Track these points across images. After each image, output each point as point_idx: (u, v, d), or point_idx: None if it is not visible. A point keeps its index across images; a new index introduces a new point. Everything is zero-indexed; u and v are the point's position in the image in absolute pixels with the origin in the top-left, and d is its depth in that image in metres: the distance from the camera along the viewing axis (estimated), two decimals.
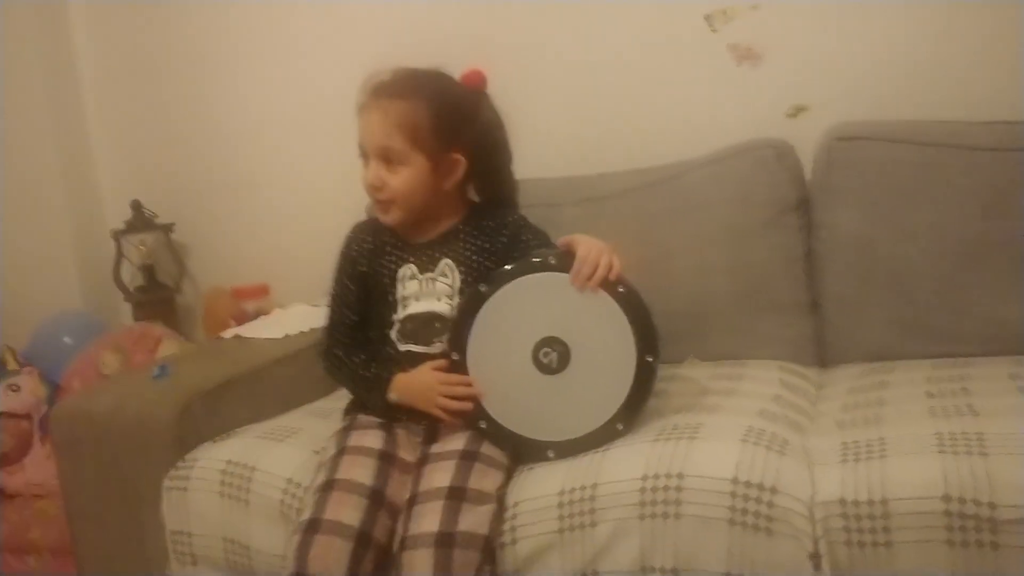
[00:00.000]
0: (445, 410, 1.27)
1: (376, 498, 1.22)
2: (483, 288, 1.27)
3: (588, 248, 1.25)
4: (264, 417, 1.56)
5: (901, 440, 1.12)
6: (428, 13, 2.06)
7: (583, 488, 1.17)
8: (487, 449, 1.26)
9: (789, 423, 1.27)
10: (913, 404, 1.27)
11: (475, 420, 1.27)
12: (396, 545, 1.17)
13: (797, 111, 1.86)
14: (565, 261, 1.25)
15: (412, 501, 1.20)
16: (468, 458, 1.23)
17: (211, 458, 1.41)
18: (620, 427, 1.25)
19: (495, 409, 1.26)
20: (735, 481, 1.09)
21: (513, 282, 1.27)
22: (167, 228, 2.34)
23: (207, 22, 2.28)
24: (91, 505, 1.51)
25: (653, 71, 1.93)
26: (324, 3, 2.16)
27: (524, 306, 1.26)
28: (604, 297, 1.24)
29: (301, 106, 2.22)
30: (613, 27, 1.94)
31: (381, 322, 1.38)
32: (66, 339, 2.18)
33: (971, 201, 1.54)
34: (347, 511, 1.19)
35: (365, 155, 1.34)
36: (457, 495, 1.17)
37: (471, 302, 1.27)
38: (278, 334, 1.81)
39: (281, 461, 1.37)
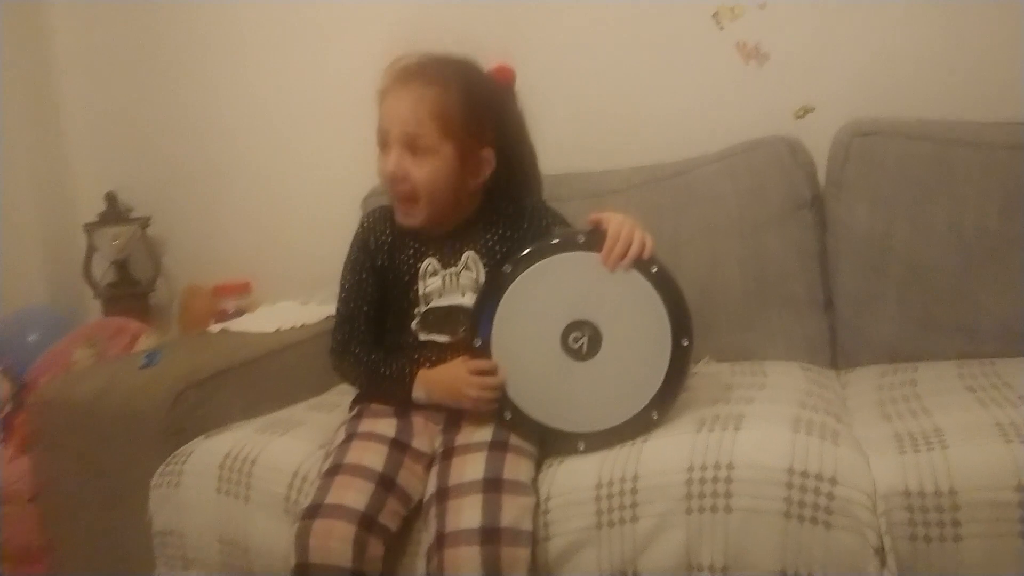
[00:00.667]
0: (477, 404, 1.18)
1: (385, 483, 1.14)
2: (507, 269, 1.19)
3: (619, 225, 1.18)
4: (260, 412, 1.46)
5: (960, 429, 1.07)
6: (427, 9, 1.99)
7: (623, 480, 1.09)
8: (515, 439, 1.17)
9: (832, 415, 1.21)
10: (955, 396, 1.23)
11: (500, 410, 1.18)
12: (428, 540, 1.08)
13: (804, 112, 1.84)
14: (594, 239, 1.18)
15: (444, 495, 1.10)
16: (498, 448, 1.14)
17: (207, 451, 1.31)
18: (655, 416, 1.18)
19: (521, 398, 1.18)
20: (791, 471, 1.03)
21: (539, 263, 1.19)
22: (143, 222, 2.24)
23: (188, 7, 2.19)
24: (69, 503, 1.40)
25: (659, 68, 1.89)
26: None
27: (551, 288, 1.19)
28: (636, 277, 1.18)
29: (285, 96, 2.14)
30: (620, 23, 1.90)
31: (400, 314, 1.30)
32: (31, 336, 2.04)
33: (990, 199, 1.51)
34: (352, 494, 1.11)
35: (385, 143, 1.25)
36: (494, 487, 1.08)
37: (494, 285, 1.20)
38: (269, 328, 1.71)
39: (285, 454, 1.27)
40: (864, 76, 1.77)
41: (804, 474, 1.02)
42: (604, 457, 1.14)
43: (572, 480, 1.13)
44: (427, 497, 1.13)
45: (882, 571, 0.98)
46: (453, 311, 1.27)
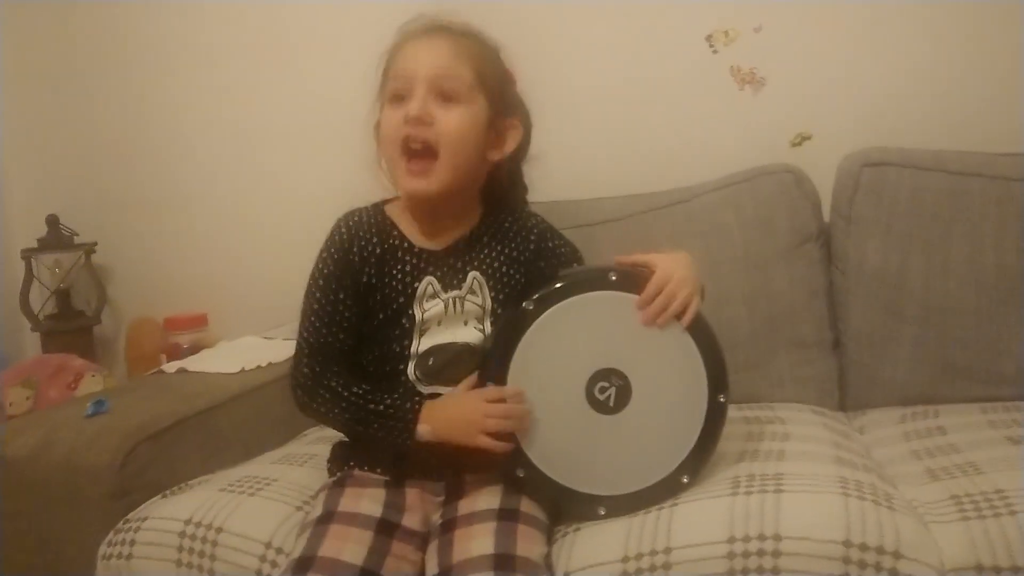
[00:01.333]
0: (494, 439, 1.02)
1: None
2: (528, 306, 1.04)
3: (666, 275, 1.04)
4: (224, 465, 1.30)
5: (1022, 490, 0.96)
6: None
7: (653, 554, 0.96)
8: (527, 506, 1.03)
9: (872, 472, 1.10)
10: (999, 448, 1.13)
11: (512, 467, 1.04)
12: None
13: (801, 139, 1.77)
14: (627, 279, 1.05)
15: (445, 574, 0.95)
16: (508, 518, 1.00)
17: (164, 517, 1.14)
18: (685, 480, 1.05)
19: (538, 454, 1.04)
20: (847, 544, 0.91)
21: (565, 301, 1.05)
22: (87, 248, 2.07)
23: (139, 16, 2.05)
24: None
25: (651, 93, 1.82)
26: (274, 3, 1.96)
27: (577, 331, 1.05)
28: (671, 323, 1.05)
29: (245, 113, 2.01)
30: (611, 46, 1.82)
31: (387, 354, 1.10)
32: None
33: (1008, 234, 1.44)
34: None
35: (405, 91, 1.07)
36: (505, 565, 0.93)
37: (513, 324, 1.05)
38: (233, 368, 1.54)
39: (255, 520, 1.11)
40: (863, 104, 1.72)
41: (863, 547, 0.90)
42: (629, 525, 1.01)
43: (594, 553, 0.99)
44: None
45: None
46: (460, 354, 1.10)
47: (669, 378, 1.05)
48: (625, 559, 0.97)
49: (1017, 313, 1.43)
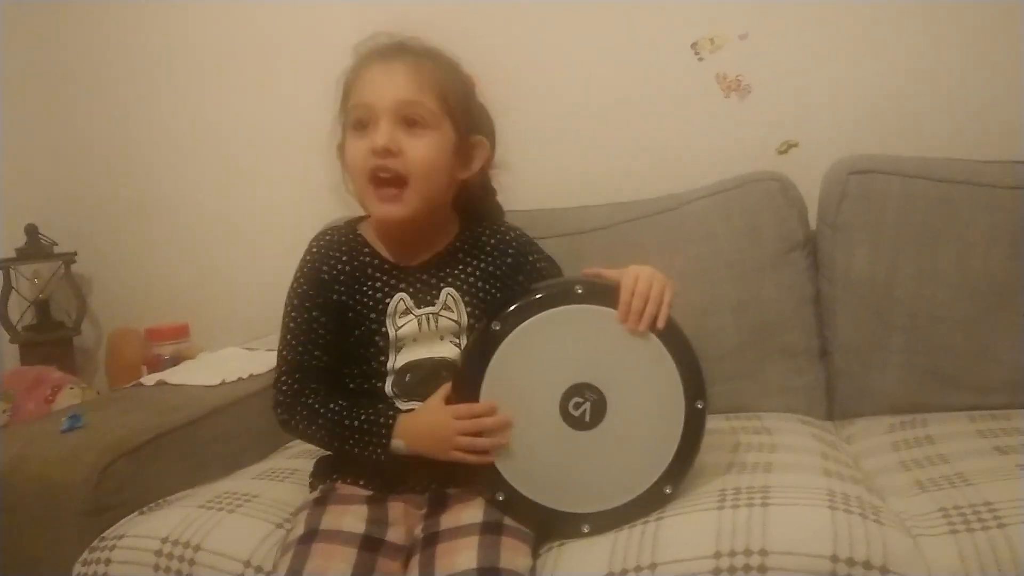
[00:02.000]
0: (468, 454, 1.01)
1: None
2: (496, 326, 1.02)
3: (633, 278, 1.03)
4: (203, 480, 1.28)
5: (1012, 503, 0.95)
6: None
7: (639, 569, 0.94)
8: (510, 519, 1.01)
9: (860, 483, 1.08)
10: (988, 459, 1.12)
11: (492, 491, 1.02)
12: None
13: (787, 147, 1.76)
14: (596, 292, 1.04)
15: None
16: (492, 531, 0.98)
17: (141, 534, 1.11)
18: (668, 491, 1.03)
19: (516, 476, 1.02)
20: (834, 559, 0.89)
21: (532, 318, 1.03)
22: (67, 258, 2.04)
23: (120, 24, 2.02)
24: None
25: (636, 101, 1.80)
26: (259, 10, 1.94)
27: (547, 347, 1.03)
28: (643, 333, 1.03)
29: (227, 122, 1.99)
30: (595, 52, 1.81)
31: (366, 371, 1.10)
32: None
33: (996, 242, 1.44)
34: None
35: (368, 120, 1.06)
36: None
37: (481, 344, 1.03)
38: (213, 380, 1.52)
39: (235, 538, 1.09)
40: (849, 111, 1.71)
41: (850, 562, 0.89)
42: (614, 541, 0.99)
43: (579, 568, 0.97)
44: None
45: None
46: (436, 369, 1.09)
47: (644, 388, 1.03)
48: (611, 575, 0.95)
49: (1005, 321, 1.42)
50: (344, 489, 1.07)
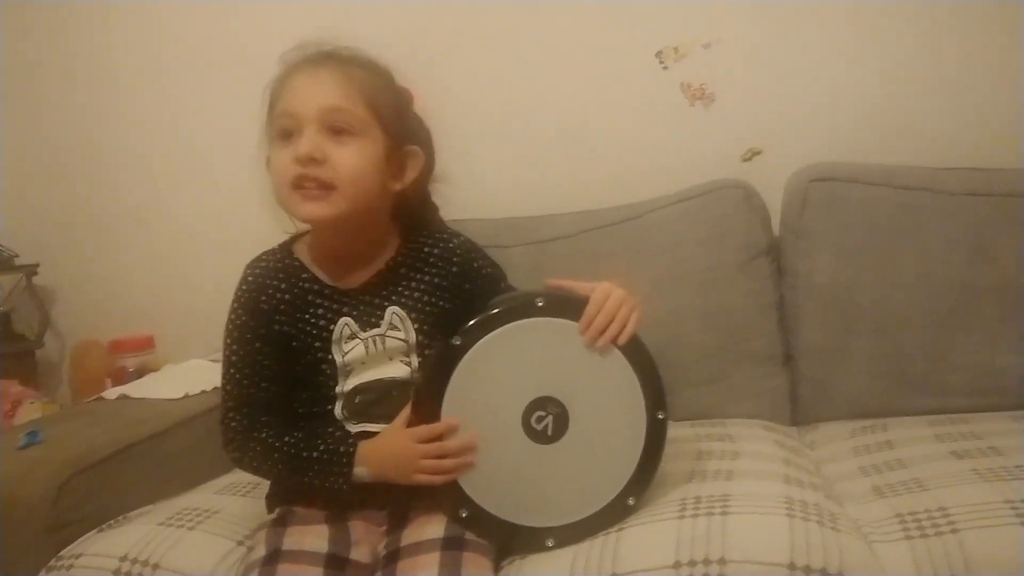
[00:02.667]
0: (432, 476, 1.00)
1: None
2: (456, 341, 1.01)
3: (604, 295, 1.02)
4: (164, 496, 1.27)
5: (967, 509, 0.96)
6: (347, 36, 1.84)
7: None
8: (472, 534, 1.01)
9: (820, 490, 1.09)
10: (945, 464, 1.13)
11: (454, 508, 1.01)
12: None
13: (751, 154, 1.77)
14: (558, 305, 1.03)
15: None
16: (454, 546, 0.97)
17: (99, 553, 1.10)
18: (631, 502, 1.04)
19: (479, 493, 1.02)
20: (792, 567, 0.90)
21: (493, 332, 1.02)
22: (29, 269, 2.00)
23: (83, 30, 1.99)
24: None
25: (601, 109, 1.80)
26: (229, 15, 1.92)
27: (508, 362, 1.02)
28: (604, 345, 1.03)
29: (192, 130, 1.96)
30: (560, 61, 1.80)
31: (315, 396, 1.07)
32: None
33: (955, 248, 1.46)
34: None
35: (293, 128, 1.02)
36: None
37: (441, 360, 1.01)
38: (176, 393, 1.50)
39: (194, 556, 1.08)
40: (812, 119, 1.72)
41: (807, 569, 0.89)
42: (575, 553, 0.99)
43: None
44: None
45: None
46: (386, 389, 1.07)
47: (606, 400, 1.03)
48: None
49: (965, 326, 1.44)
50: (302, 510, 1.06)
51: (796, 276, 1.53)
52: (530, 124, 1.82)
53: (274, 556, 0.98)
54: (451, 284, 1.12)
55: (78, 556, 1.10)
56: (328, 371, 1.06)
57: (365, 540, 1.03)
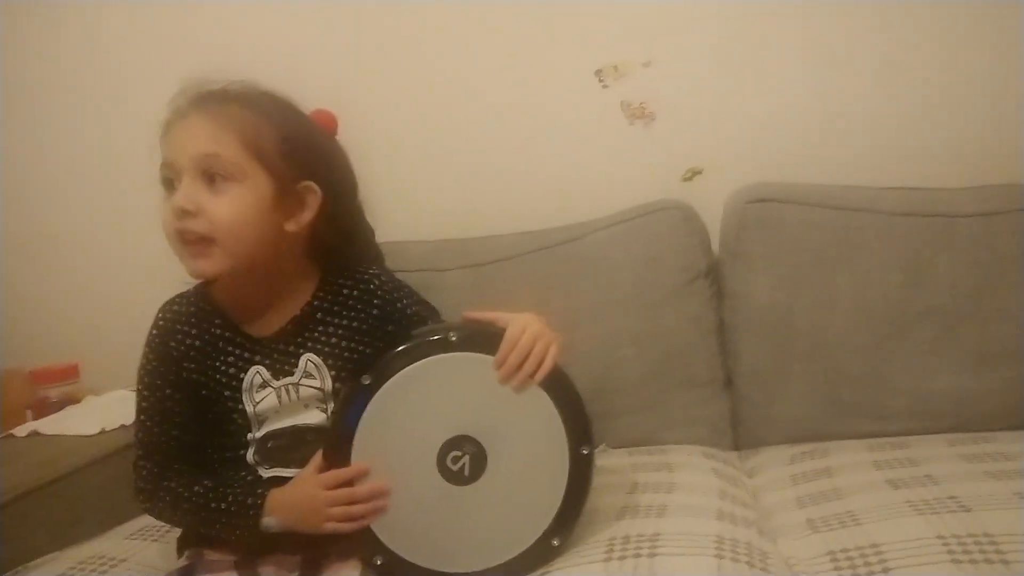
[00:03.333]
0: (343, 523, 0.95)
1: None
2: (366, 380, 0.97)
3: (519, 330, 0.97)
4: (73, 541, 1.19)
5: (901, 548, 0.93)
6: (268, 52, 1.78)
7: None
8: None
9: (752, 526, 1.06)
10: (881, 495, 1.10)
11: (370, 555, 0.96)
12: None
13: (692, 174, 1.75)
14: (473, 340, 0.99)
15: None
16: None
17: None
18: (556, 543, 0.99)
19: (394, 539, 0.97)
20: None
21: (404, 370, 0.97)
22: None
23: (6, 50, 1.90)
24: None
25: (540, 128, 1.77)
26: (152, 35, 1.85)
27: (421, 400, 0.97)
28: (519, 383, 0.98)
29: (119, 148, 1.87)
30: (497, 79, 1.77)
31: (228, 442, 1.03)
32: None
33: (891, 269, 1.44)
34: None
35: (173, 177, 0.98)
36: None
37: (351, 401, 0.97)
38: (92, 429, 1.43)
39: None
40: (752, 138, 1.70)
41: None
42: None
43: None
44: None
45: None
46: (299, 432, 1.02)
47: (525, 438, 0.99)
48: None
49: (902, 349, 1.43)
50: (212, 555, 1.01)
51: (736, 298, 1.51)
52: (467, 143, 1.78)
53: None
54: (372, 327, 1.07)
55: None
56: (240, 420, 1.02)
57: None
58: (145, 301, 1.85)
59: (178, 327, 1.04)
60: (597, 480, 1.16)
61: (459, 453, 0.97)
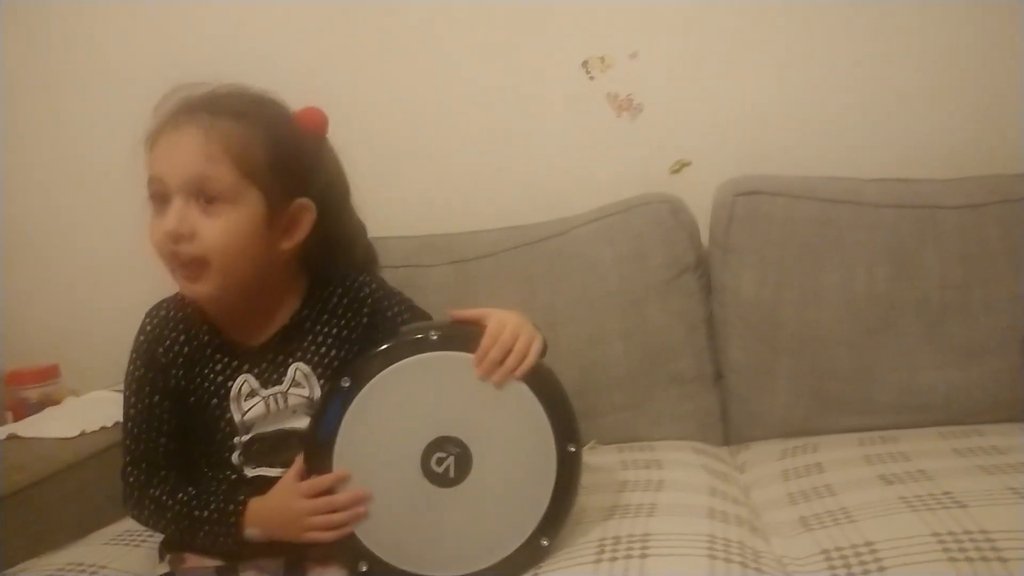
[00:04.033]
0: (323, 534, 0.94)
1: None
2: (345, 383, 0.95)
3: (500, 325, 0.95)
4: (51, 548, 1.16)
5: (895, 545, 0.92)
6: (247, 48, 1.76)
7: None
8: None
9: (744, 524, 1.04)
10: (872, 491, 1.09)
11: (353, 562, 0.94)
12: None
13: (680, 166, 1.73)
14: (454, 338, 0.96)
15: None
16: None
17: None
18: (545, 543, 0.97)
19: (378, 544, 0.94)
20: None
21: (385, 371, 0.95)
22: None
23: None
24: None
25: (526, 121, 1.75)
26: (135, 31, 1.82)
27: (403, 401, 0.95)
28: (501, 380, 0.96)
29: (99, 145, 1.84)
30: (482, 71, 1.74)
31: (213, 445, 1.01)
32: None
33: (878, 262, 1.43)
34: None
35: (162, 196, 0.95)
36: None
37: (330, 404, 0.95)
38: (71, 432, 1.40)
39: None
40: (741, 130, 1.69)
41: None
42: None
43: None
44: None
45: None
46: (284, 435, 1.01)
47: (511, 436, 0.96)
48: None
49: (888, 342, 1.42)
50: (193, 560, 0.99)
51: (723, 292, 1.50)
52: (452, 137, 1.75)
53: None
54: (360, 336, 1.05)
55: None
56: (227, 428, 1.01)
57: None
58: (126, 301, 1.82)
59: (166, 333, 1.02)
60: (586, 478, 1.14)
61: (443, 455, 0.94)
